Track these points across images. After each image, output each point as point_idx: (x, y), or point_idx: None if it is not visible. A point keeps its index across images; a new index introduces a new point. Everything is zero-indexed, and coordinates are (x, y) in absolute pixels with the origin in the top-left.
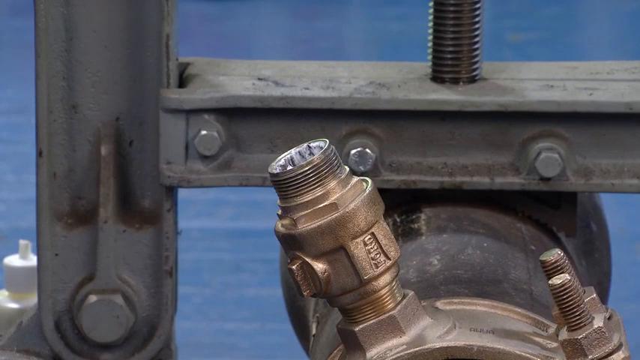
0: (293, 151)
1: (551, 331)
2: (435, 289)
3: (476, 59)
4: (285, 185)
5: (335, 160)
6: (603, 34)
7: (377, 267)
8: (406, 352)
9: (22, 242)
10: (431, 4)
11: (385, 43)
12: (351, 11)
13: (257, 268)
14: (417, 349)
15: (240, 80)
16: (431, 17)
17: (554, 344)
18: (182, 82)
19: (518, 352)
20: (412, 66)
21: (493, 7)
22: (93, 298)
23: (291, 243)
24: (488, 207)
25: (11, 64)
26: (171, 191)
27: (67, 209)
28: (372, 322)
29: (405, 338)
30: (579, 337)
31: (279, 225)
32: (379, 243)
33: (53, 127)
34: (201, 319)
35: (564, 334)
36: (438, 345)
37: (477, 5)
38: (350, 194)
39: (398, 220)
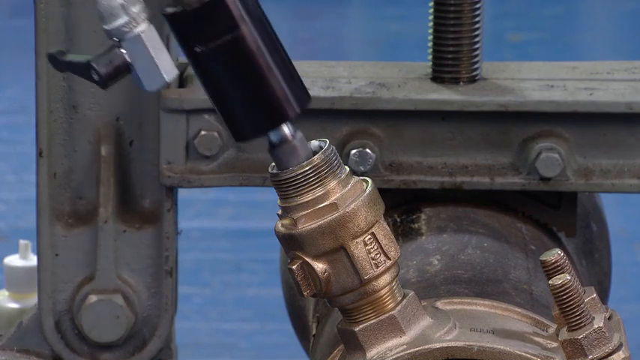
0: None
1: (551, 331)
2: (435, 289)
3: (476, 59)
4: (285, 185)
5: (335, 160)
6: (603, 34)
7: (377, 267)
8: (406, 352)
9: (22, 242)
10: (431, 4)
11: (385, 43)
12: (351, 11)
13: (257, 268)
14: (417, 349)
15: None
16: (431, 17)
17: (554, 344)
18: (182, 82)
19: (518, 352)
20: (412, 66)
21: (493, 7)
22: (93, 298)
23: (291, 243)
24: (488, 207)
25: (11, 64)
26: (171, 191)
27: (67, 209)
28: (372, 322)
29: (405, 338)
30: (579, 337)
31: (280, 225)
32: (379, 243)
33: (53, 127)
34: (201, 319)
35: (564, 334)
36: (438, 345)
37: (477, 5)
38: (350, 194)
39: (398, 220)
